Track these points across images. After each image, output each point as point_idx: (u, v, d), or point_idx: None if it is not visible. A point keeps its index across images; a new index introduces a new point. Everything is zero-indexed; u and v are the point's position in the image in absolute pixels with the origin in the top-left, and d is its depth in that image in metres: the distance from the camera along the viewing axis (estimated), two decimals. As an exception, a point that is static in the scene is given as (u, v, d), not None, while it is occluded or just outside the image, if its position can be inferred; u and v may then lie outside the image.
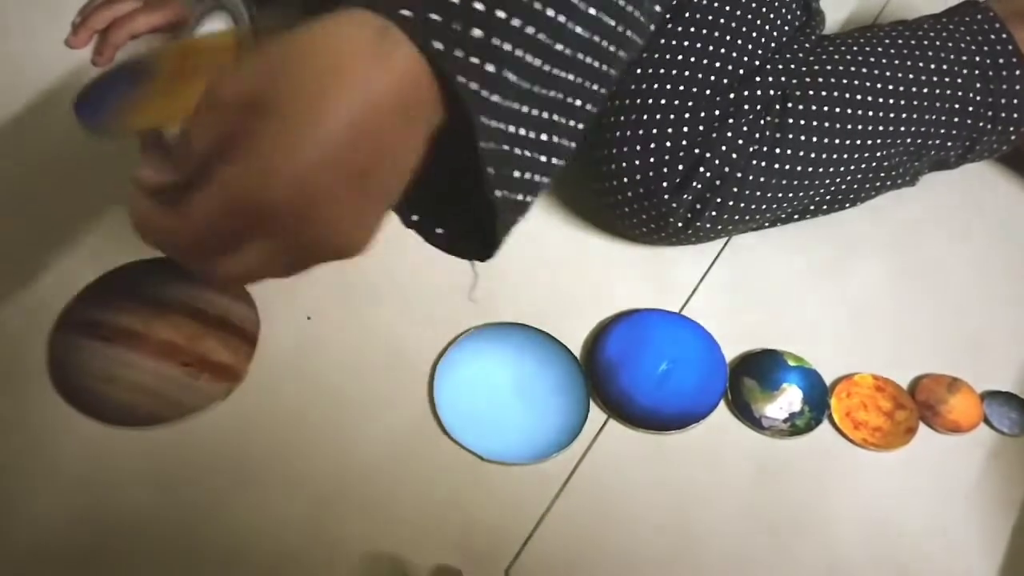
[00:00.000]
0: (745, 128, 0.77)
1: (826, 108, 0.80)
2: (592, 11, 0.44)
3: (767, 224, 0.87)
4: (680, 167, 0.77)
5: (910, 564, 0.71)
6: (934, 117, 0.84)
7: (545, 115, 0.44)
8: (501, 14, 0.39)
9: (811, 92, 0.81)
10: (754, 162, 0.78)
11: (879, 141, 0.82)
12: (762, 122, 0.78)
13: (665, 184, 0.77)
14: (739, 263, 0.86)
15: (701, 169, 0.76)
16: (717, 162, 0.77)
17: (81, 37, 0.92)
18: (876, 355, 0.81)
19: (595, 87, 0.47)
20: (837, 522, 0.72)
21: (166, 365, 0.71)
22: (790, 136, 0.79)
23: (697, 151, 0.77)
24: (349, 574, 0.65)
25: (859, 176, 0.84)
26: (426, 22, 0.37)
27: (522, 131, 0.42)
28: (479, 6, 0.38)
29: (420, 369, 0.75)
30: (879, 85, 0.82)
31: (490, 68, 0.39)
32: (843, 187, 0.85)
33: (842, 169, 0.82)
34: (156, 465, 0.68)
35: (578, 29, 0.43)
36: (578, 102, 0.46)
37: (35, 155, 0.83)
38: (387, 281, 0.79)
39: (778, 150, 0.78)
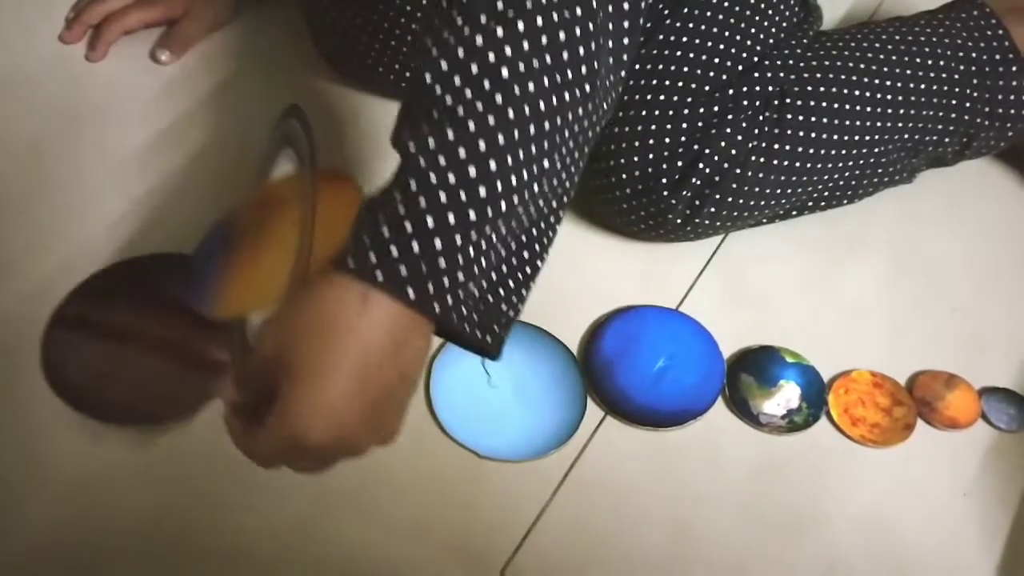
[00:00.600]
0: (744, 124, 0.77)
1: (824, 104, 0.80)
2: (533, 211, 0.54)
3: (765, 221, 0.86)
4: (679, 163, 0.76)
5: (908, 560, 0.71)
6: (931, 113, 0.84)
7: (507, 273, 0.55)
8: (457, 258, 0.48)
9: (809, 88, 0.80)
10: (753, 158, 0.77)
11: (876, 137, 0.82)
12: (761, 118, 0.78)
13: (664, 180, 0.77)
14: (737, 259, 0.86)
15: (700, 165, 0.76)
16: (716, 158, 0.76)
17: (74, 32, 0.91)
18: (874, 351, 0.81)
19: (550, 218, 0.56)
20: (835, 518, 0.72)
21: (162, 363, 0.70)
22: (788, 132, 0.79)
23: (696, 147, 0.76)
24: (347, 573, 0.64)
25: (856, 172, 0.84)
26: (397, 279, 0.47)
27: (489, 297, 0.53)
28: (441, 263, 0.48)
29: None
30: (876, 81, 0.82)
31: (450, 297, 0.49)
32: (840, 183, 0.84)
33: (840, 165, 0.82)
34: (152, 464, 0.67)
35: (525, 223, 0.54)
36: (535, 243, 0.56)
37: (28, 151, 0.83)
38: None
39: (776, 146, 0.78)
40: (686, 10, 0.80)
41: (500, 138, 0.49)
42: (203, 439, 0.69)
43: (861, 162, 0.83)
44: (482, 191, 0.49)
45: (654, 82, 0.78)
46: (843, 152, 0.82)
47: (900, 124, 0.83)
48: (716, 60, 0.79)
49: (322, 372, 0.47)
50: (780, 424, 0.76)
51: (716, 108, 0.77)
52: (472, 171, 0.49)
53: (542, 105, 0.50)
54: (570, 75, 0.51)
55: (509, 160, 0.49)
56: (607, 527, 0.70)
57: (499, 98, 0.49)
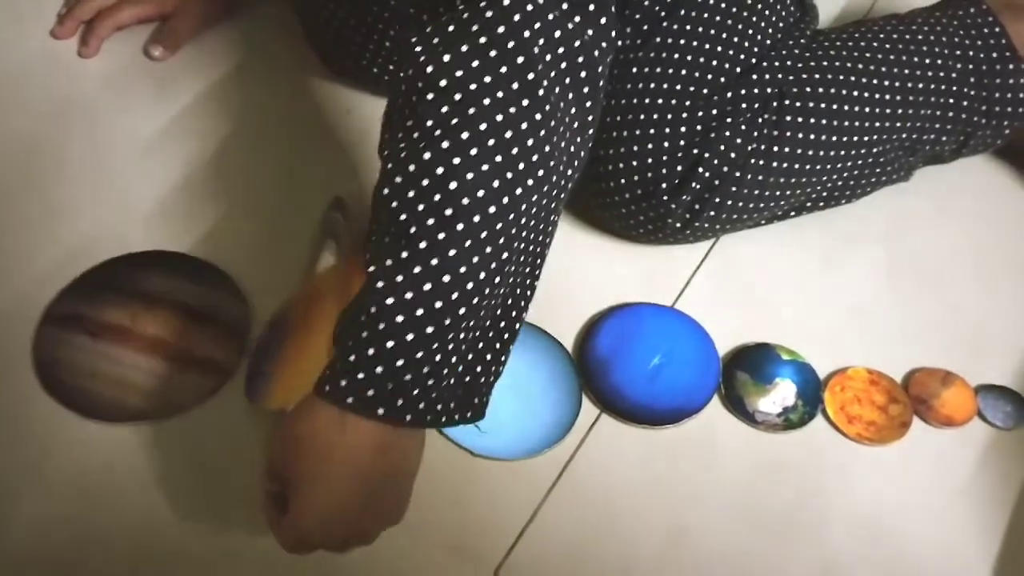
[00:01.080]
0: (743, 127, 0.77)
1: (823, 105, 0.80)
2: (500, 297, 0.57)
3: (764, 222, 0.86)
4: (679, 168, 0.76)
5: (904, 558, 0.71)
6: (928, 112, 0.84)
7: (484, 348, 0.58)
8: (422, 370, 0.52)
9: (807, 89, 0.80)
10: (752, 161, 0.77)
11: (875, 137, 0.82)
12: (760, 120, 0.77)
13: (664, 185, 0.76)
14: (733, 256, 0.85)
15: (700, 169, 0.76)
16: (716, 162, 0.76)
17: (67, 27, 0.91)
18: (870, 349, 0.81)
19: (527, 281, 0.60)
20: (830, 516, 0.72)
21: (153, 360, 0.70)
22: (788, 134, 0.78)
23: (695, 151, 0.76)
24: (341, 571, 0.64)
25: (855, 172, 0.84)
26: (365, 401, 0.51)
27: (467, 378, 0.56)
28: (408, 377, 0.52)
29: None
30: (874, 81, 0.82)
31: (421, 404, 0.53)
32: (839, 183, 0.84)
33: (839, 165, 0.82)
34: (143, 462, 0.67)
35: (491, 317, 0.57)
36: (513, 310, 0.59)
37: (18, 147, 0.82)
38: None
39: (776, 148, 0.78)
40: (683, 12, 0.79)
41: (451, 251, 0.52)
42: (193, 437, 0.68)
43: (859, 162, 0.83)
44: (438, 304, 0.52)
45: (652, 86, 0.77)
46: (841, 152, 0.81)
47: (898, 123, 0.83)
48: (714, 62, 0.79)
49: (317, 484, 0.52)
50: (776, 422, 0.75)
51: (715, 111, 0.77)
52: (427, 286, 0.52)
53: (492, 208, 0.53)
54: (522, 167, 0.54)
55: (463, 269, 0.52)
56: (602, 526, 0.69)
57: (448, 211, 0.52)
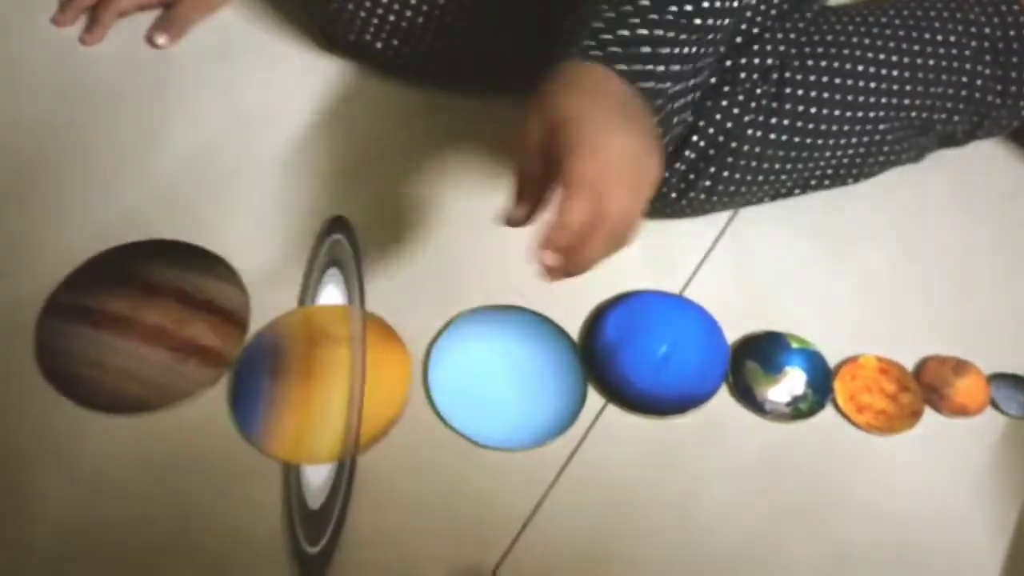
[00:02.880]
0: (740, 96, 0.76)
1: (824, 78, 0.78)
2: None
3: (767, 198, 0.85)
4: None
5: (914, 549, 0.70)
6: (940, 89, 0.82)
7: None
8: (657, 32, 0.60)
9: (809, 62, 0.78)
10: (749, 131, 0.76)
11: (881, 114, 0.80)
12: (758, 91, 0.77)
13: None
14: (741, 244, 0.84)
15: (694, 138, 0.75)
16: (711, 131, 0.75)
17: (68, 15, 0.90)
18: (880, 337, 0.79)
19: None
20: (840, 507, 0.71)
21: (154, 350, 0.69)
22: (787, 106, 0.77)
23: (690, 119, 0.75)
24: (345, 560, 0.63)
25: (861, 150, 0.82)
26: (630, 56, 0.59)
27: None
28: (646, 49, 0.59)
29: (413, 354, 0.73)
30: (882, 56, 0.80)
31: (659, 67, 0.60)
32: (844, 161, 0.83)
33: (842, 142, 0.80)
34: (145, 452, 0.66)
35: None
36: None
37: (20, 137, 0.82)
38: (378, 263, 0.77)
39: (774, 119, 0.77)
40: None
41: None
42: (195, 427, 0.68)
43: (865, 139, 0.81)
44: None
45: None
46: (845, 128, 0.80)
47: (907, 101, 0.81)
48: None
49: (601, 123, 0.54)
50: (785, 412, 0.74)
51: (713, 80, 0.76)
52: None
53: None
54: None
55: None
56: (607, 517, 0.68)
57: None
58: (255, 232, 0.78)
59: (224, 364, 0.70)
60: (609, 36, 0.59)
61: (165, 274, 0.73)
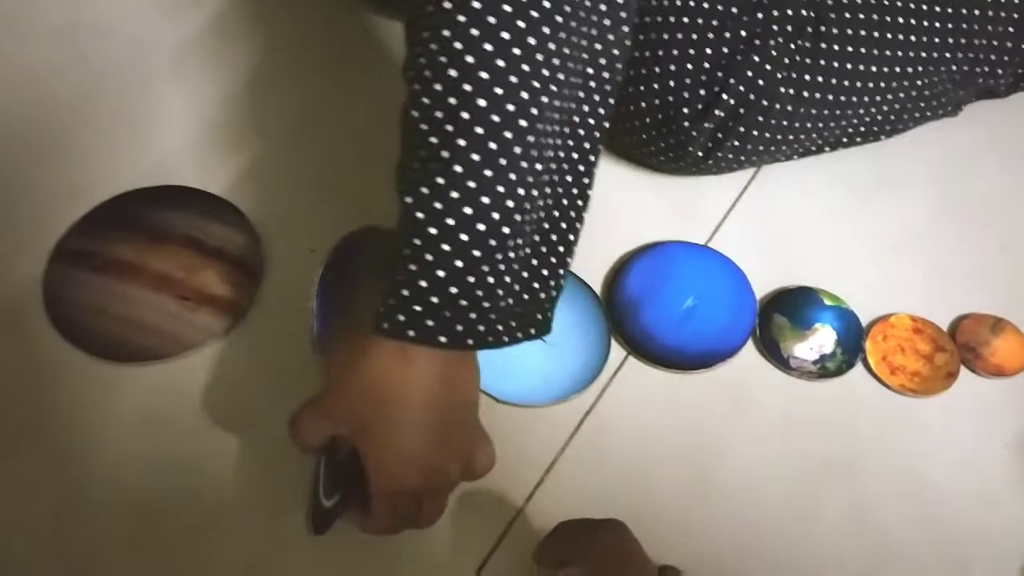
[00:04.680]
0: (774, 52, 0.72)
1: (863, 32, 0.74)
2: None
3: (796, 156, 0.81)
4: (702, 92, 0.71)
5: (945, 515, 0.68)
6: (984, 41, 0.78)
7: (539, 264, 0.57)
8: (476, 294, 0.52)
9: (847, 15, 0.74)
10: (782, 89, 0.72)
11: (920, 68, 0.77)
12: (792, 46, 0.72)
13: (686, 110, 0.72)
14: (771, 192, 0.81)
15: (724, 96, 0.71)
16: (742, 88, 0.71)
17: None
18: (914, 294, 0.77)
19: (573, 190, 0.57)
20: (868, 469, 0.69)
21: (162, 298, 0.67)
22: (822, 62, 0.73)
23: (720, 74, 0.71)
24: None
25: (896, 107, 0.78)
26: (427, 331, 0.51)
27: (525, 295, 0.56)
28: (464, 302, 0.51)
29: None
30: (924, 6, 0.76)
31: (481, 326, 0.52)
32: (879, 118, 0.79)
33: (878, 98, 0.77)
34: (150, 403, 0.64)
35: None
36: (564, 220, 0.57)
37: (28, 86, 0.79)
38: (392, 214, 0.74)
39: (808, 77, 0.73)
40: None
41: (487, 172, 0.50)
42: (202, 377, 0.66)
43: (902, 95, 0.77)
44: (481, 227, 0.51)
45: (678, 3, 0.72)
46: (881, 84, 0.76)
47: (948, 54, 0.77)
48: None
49: (395, 423, 0.52)
50: (811, 369, 0.72)
51: (743, 33, 0.71)
52: (467, 210, 0.50)
53: (522, 121, 0.51)
54: (547, 72, 0.51)
55: (500, 188, 0.51)
56: (626, 475, 0.67)
57: (479, 130, 0.50)
58: (271, 184, 0.75)
59: (236, 314, 0.67)
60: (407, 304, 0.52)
61: (174, 220, 0.70)
